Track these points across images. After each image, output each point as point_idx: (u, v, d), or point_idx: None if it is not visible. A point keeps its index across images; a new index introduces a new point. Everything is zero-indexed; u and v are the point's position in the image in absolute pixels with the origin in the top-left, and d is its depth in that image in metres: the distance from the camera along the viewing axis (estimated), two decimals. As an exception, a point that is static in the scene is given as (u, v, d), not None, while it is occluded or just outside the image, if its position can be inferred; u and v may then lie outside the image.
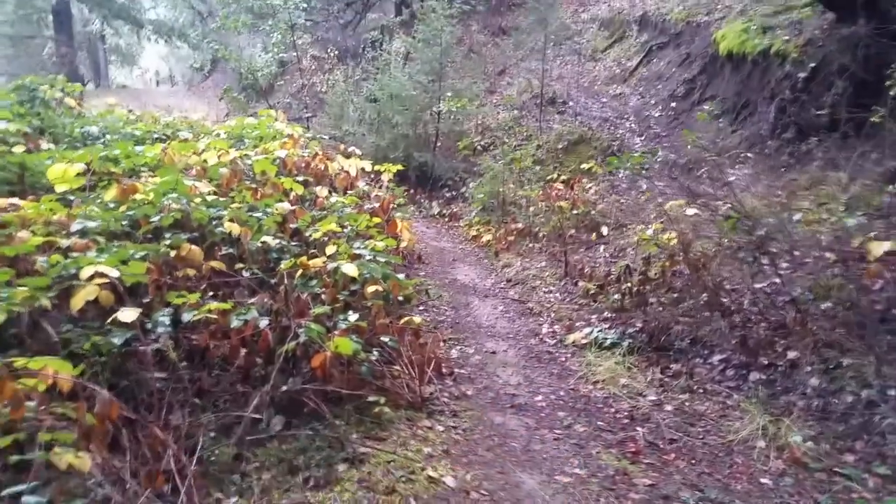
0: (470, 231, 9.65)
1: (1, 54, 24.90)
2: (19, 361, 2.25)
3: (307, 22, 18.18)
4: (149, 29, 24.60)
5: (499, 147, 10.66)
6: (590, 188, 8.67)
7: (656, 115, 10.45)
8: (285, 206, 5.27)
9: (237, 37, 20.43)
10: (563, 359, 5.28)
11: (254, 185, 5.57)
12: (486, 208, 9.83)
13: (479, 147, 11.96)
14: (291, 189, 5.60)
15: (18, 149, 5.65)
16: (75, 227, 3.94)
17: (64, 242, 3.71)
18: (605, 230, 7.61)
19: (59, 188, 4.42)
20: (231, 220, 4.48)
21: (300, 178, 6.20)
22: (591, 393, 4.65)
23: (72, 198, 4.67)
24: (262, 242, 4.56)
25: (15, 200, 4.12)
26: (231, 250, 4.55)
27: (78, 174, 4.43)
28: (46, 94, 8.22)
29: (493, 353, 5.35)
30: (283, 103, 16.85)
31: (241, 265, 4.44)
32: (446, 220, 10.78)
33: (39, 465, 2.19)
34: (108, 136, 7.47)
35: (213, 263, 4.21)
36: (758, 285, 5.16)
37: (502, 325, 6.03)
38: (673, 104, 10.24)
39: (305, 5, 18.09)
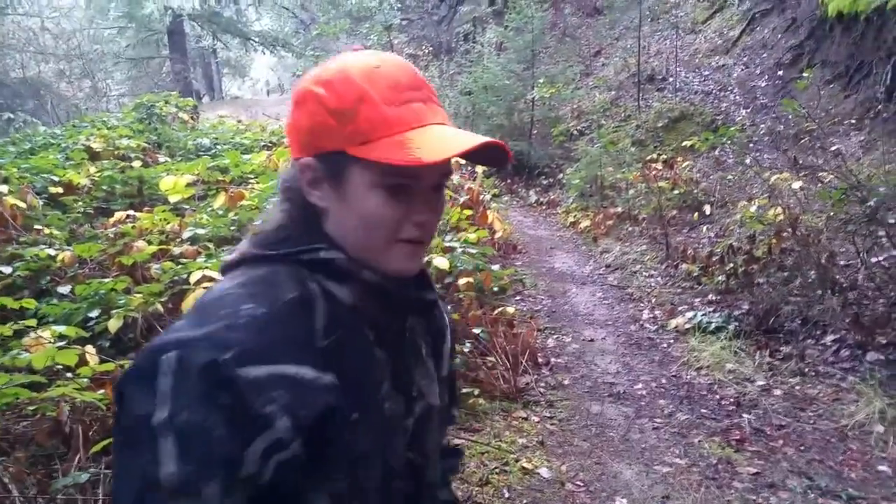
0: (567, 218, 9.51)
1: (126, 76, 26.96)
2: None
3: (402, 21, 18.50)
4: (255, 41, 25.82)
5: (594, 131, 10.42)
6: (688, 166, 8.31)
7: (762, 85, 9.84)
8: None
9: (336, 42, 21.14)
10: (665, 345, 5.12)
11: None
12: (583, 194, 9.65)
13: (574, 132, 11.75)
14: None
15: (137, 163, 6.16)
16: (186, 234, 4.25)
17: (176, 250, 4.02)
18: (707, 209, 7.29)
19: (172, 199, 4.77)
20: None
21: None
22: (694, 380, 4.49)
23: (185, 207, 5.03)
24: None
25: (132, 212, 4.49)
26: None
27: (188, 185, 4.76)
28: (161, 110, 8.88)
29: (591, 340, 5.27)
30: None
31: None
32: (544, 207, 10.67)
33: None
34: (218, 147, 7.97)
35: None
36: (874, 259, 4.78)
37: (601, 312, 5.92)
38: (780, 72, 9.60)
39: (400, 4, 18.45)
